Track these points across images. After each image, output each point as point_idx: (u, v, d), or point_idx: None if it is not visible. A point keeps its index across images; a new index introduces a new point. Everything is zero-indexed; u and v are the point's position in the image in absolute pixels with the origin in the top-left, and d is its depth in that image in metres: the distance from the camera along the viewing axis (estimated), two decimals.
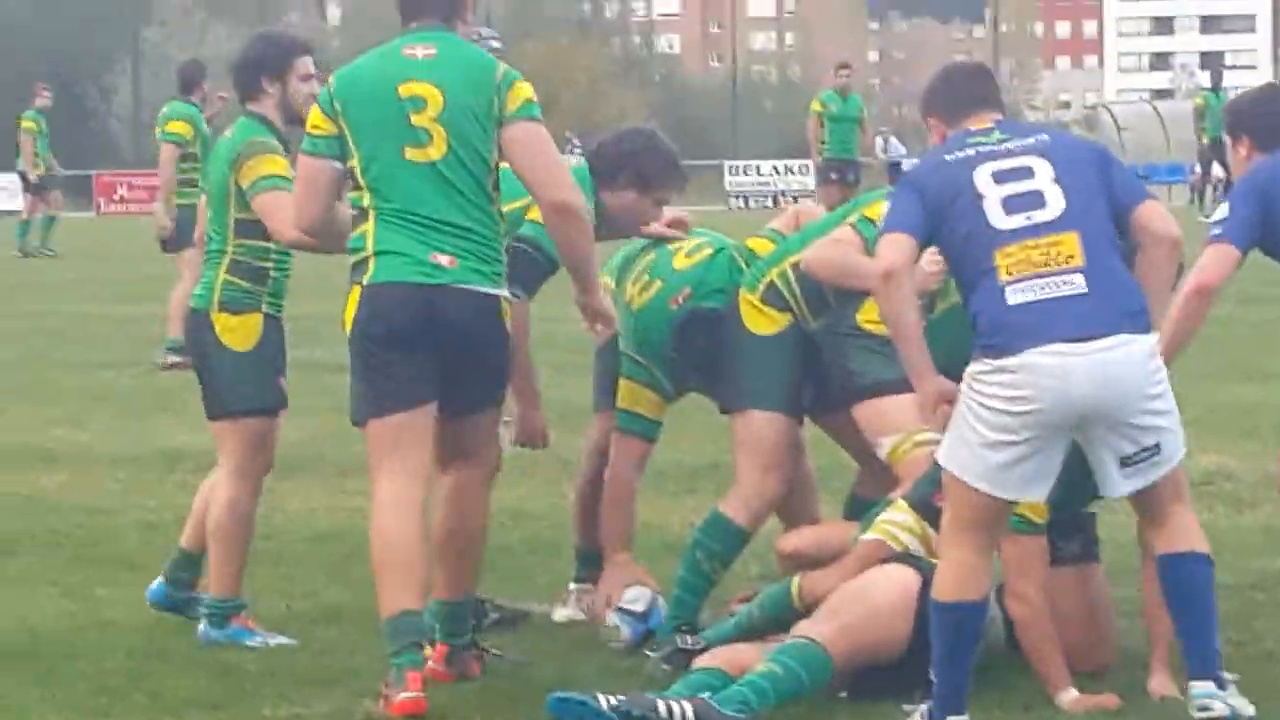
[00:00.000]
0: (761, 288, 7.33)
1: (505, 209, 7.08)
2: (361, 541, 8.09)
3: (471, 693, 6.23)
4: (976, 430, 5.31)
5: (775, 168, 77.49)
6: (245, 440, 7.65)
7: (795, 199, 70.29)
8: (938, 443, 5.84)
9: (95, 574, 9.03)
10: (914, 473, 6.61)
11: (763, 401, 7.20)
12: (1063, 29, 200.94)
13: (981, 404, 5.30)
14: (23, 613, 7.86)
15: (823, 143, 30.46)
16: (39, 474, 12.20)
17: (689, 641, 6.55)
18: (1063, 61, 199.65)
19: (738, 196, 74.26)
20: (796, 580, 6.51)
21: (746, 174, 76.94)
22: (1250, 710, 5.69)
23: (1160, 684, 6.09)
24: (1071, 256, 5.47)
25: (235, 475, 7.69)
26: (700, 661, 6.12)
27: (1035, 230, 5.41)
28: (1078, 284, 5.37)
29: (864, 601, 6.04)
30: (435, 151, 6.61)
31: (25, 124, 34.13)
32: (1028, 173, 5.60)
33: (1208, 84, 57.15)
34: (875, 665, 5.94)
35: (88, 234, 52.71)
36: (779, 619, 6.42)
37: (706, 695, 5.52)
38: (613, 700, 5.49)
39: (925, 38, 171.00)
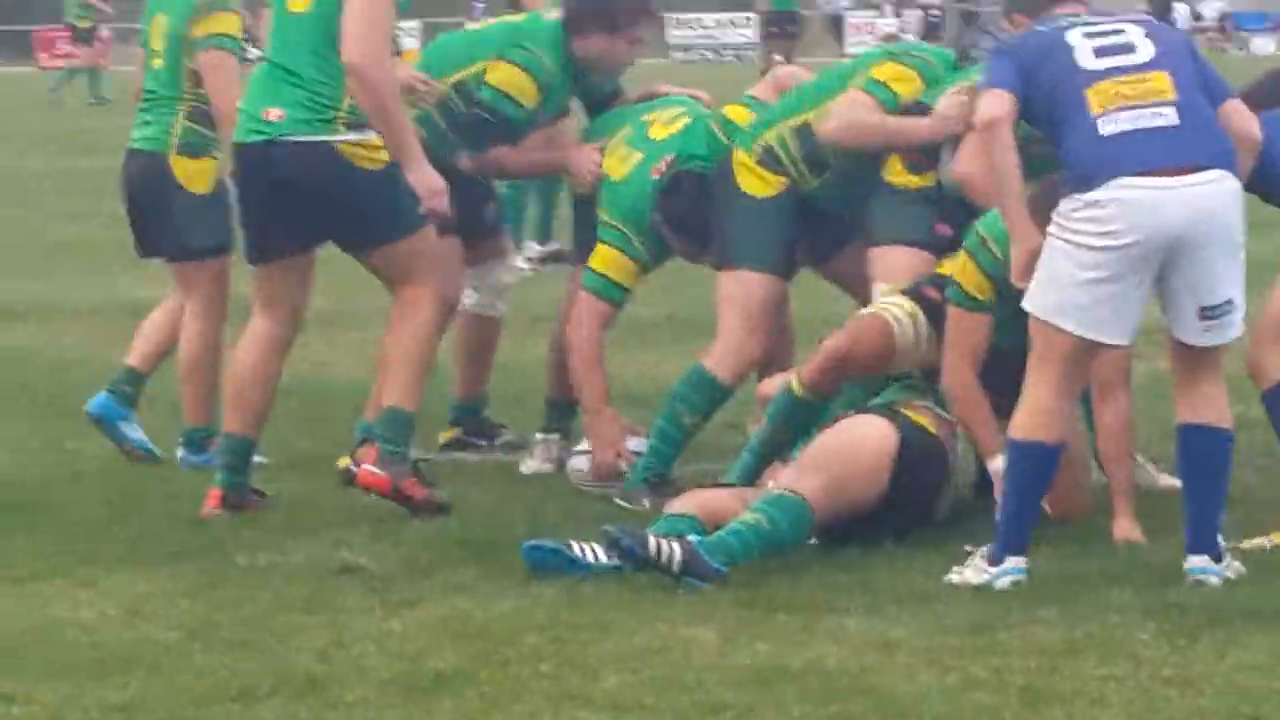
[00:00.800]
0: (758, 150, 7.34)
1: (456, 77, 7.63)
2: (325, 393, 8.10)
3: (449, 544, 6.26)
4: (1067, 270, 5.35)
5: (718, 20, 76.94)
6: (210, 277, 7.97)
7: (737, 54, 69.90)
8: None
9: (66, 427, 9.04)
10: None
11: (757, 262, 7.27)
12: None
13: (1072, 241, 5.32)
14: None
15: None
16: (4, 329, 12.26)
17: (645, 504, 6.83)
18: None
19: (680, 49, 73.53)
20: (794, 378, 6.55)
21: (690, 28, 76.21)
22: (1243, 571, 5.81)
23: (1123, 529, 6.26)
24: (1163, 91, 5.47)
25: (203, 311, 8.00)
26: (674, 506, 6.13)
27: (1126, 70, 5.46)
28: (1170, 116, 5.38)
29: (846, 459, 6.11)
30: (302, 4, 6.78)
31: None
32: (1120, 32, 5.67)
33: None
34: (844, 519, 6.03)
35: (32, 88, 52.22)
36: (789, 423, 6.57)
37: (694, 540, 5.55)
38: (591, 546, 5.69)
39: None
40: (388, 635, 5.02)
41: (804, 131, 7.26)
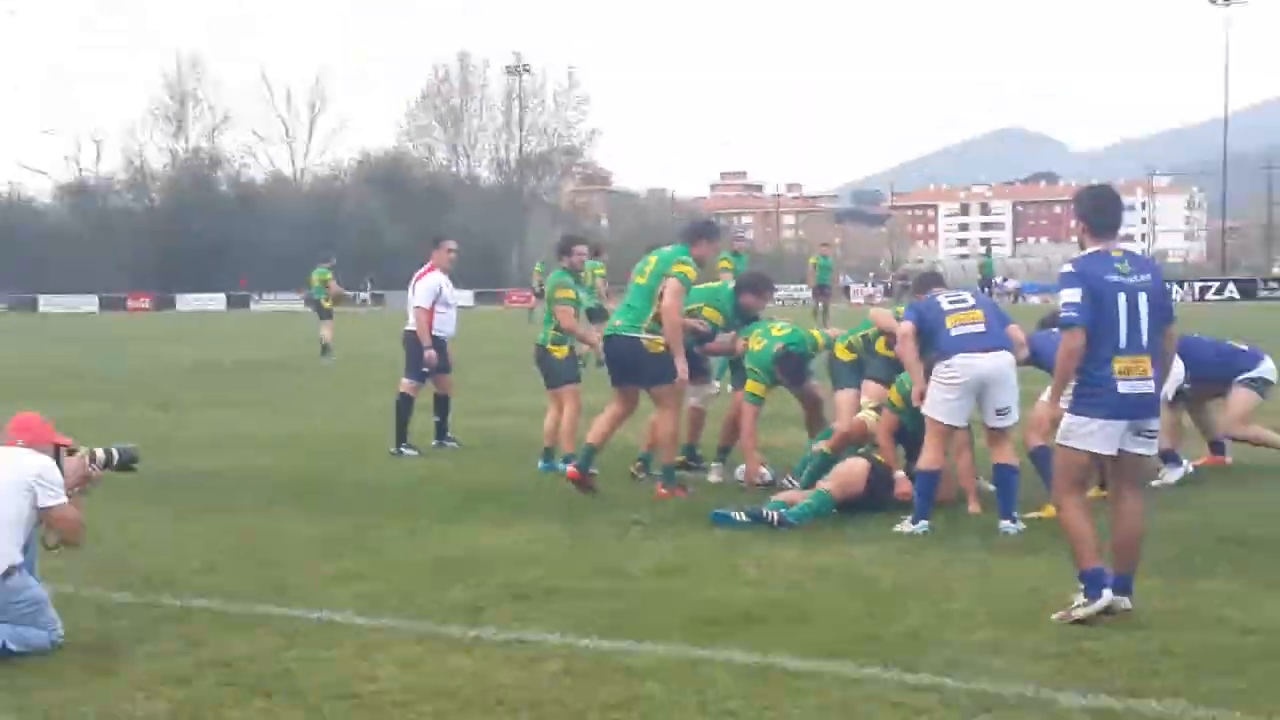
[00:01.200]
0: (848, 342, 13.20)
1: (692, 308, 13.19)
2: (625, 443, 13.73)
3: (680, 509, 11.43)
4: (940, 394, 10.69)
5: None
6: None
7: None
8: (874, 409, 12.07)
9: None
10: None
11: (845, 386, 12.90)
12: None
13: (942, 382, 10.60)
14: None
15: None
16: None
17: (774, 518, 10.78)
18: None
19: None
20: (824, 446, 12.32)
21: None
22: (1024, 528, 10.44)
23: (973, 507, 11.36)
24: (978, 318, 10.78)
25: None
26: (777, 497, 11.37)
27: (962, 309, 10.89)
28: (980, 326, 10.68)
29: (847, 475, 11.33)
30: (641, 279, 12.95)
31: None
32: (963, 299, 11.23)
33: None
34: (848, 502, 11.08)
35: None
36: (822, 464, 11.95)
37: (781, 509, 10.76)
38: (740, 512, 10.86)
39: None
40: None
41: (869, 339, 12.85)
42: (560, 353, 14.28)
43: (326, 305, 34.66)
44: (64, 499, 7.32)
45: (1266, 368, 12.75)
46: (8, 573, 7.04)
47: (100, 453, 7.86)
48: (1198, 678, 6.48)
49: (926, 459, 10.49)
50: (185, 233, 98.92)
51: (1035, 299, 79.66)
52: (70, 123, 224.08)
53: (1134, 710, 6.04)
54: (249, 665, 7.01)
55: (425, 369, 15.36)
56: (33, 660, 7.11)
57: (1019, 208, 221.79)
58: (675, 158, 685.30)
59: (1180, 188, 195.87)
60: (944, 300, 10.92)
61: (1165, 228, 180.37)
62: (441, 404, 16.01)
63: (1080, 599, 7.48)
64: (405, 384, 15.67)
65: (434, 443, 15.88)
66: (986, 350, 10.43)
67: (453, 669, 6.88)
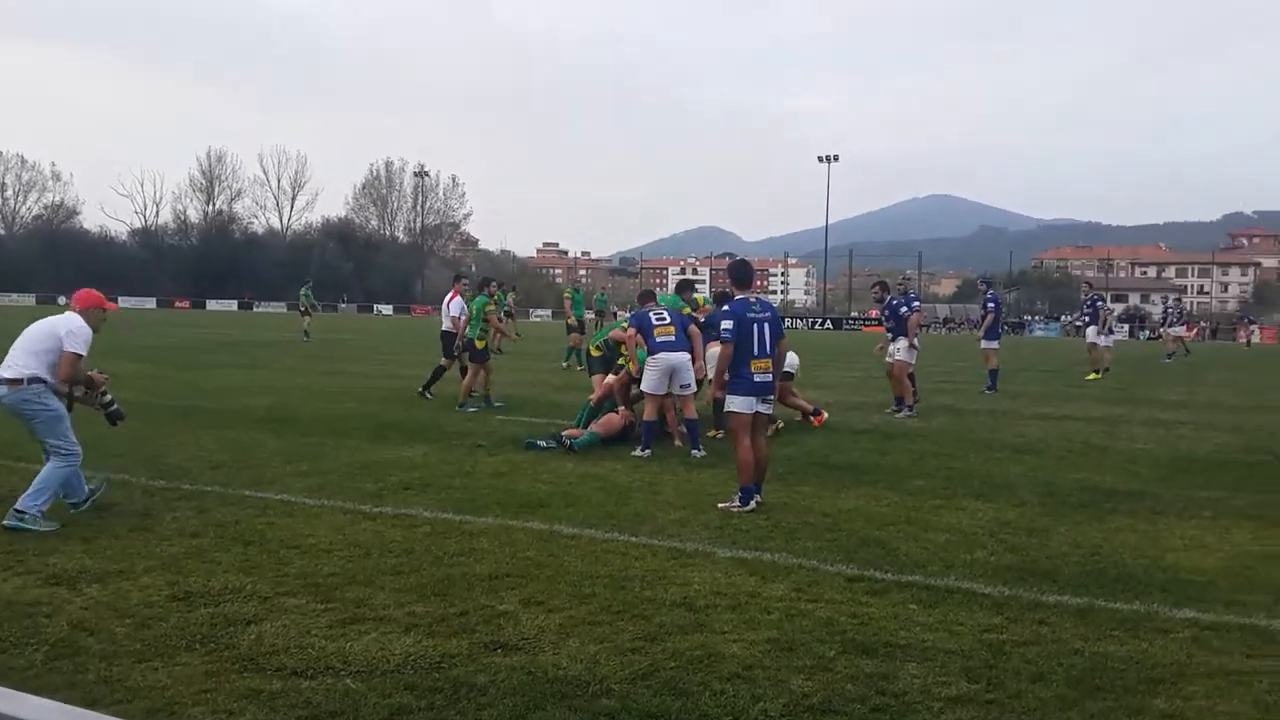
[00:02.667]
0: (598, 344, 12.72)
1: None
2: None
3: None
4: (652, 377, 10.66)
5: None
6: None
7: None
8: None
9: None
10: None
11: (597, 371, 12.58)
12: None
13: (650, 367, 10.55)
14: None
15: None
16: None
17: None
18: None
19: None
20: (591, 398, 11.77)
21: None
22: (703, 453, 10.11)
23: (677, 441, 10.70)
24: (671, 329, 10.76)
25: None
26: (566, 432, 10.68)
27: (662, 324, 10.78)
28: (671, 335, 10.66)
29: (607, 422, 10.86)
30: (669, 332, 11.11)
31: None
32: (663, 317, 10.91)
33: None
34: (609, 439, 10.57)
35: None
36: (597, 410, 11.43)
37: (570, 440, 10.29)
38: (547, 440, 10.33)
39: None
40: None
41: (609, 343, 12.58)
42: (481, 344, 14.41)
43: (303, 311, 34.13)
44: (78, 349, 6.67)
45: (791, 362, 12.33)
46: (32, 380, 6.57)
47: (110, 395, 7.20)
48: (795, 540, 6.63)
49: (647, 413, 10.42)
50: (212, 261, 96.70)
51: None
52: (137, 186, 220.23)
53: (759, 559, 6.14)
54: (236, 526, 6.69)
55: (455, 352, 14.89)
56: (95, 518, 6.73)
57: (714, 271, 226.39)
58: (514, 228, 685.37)
59: (803, 264, 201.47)
60: (653, 316, 10.94)
61: (794, 287, 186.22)
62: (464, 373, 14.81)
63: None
64: (443, 361, 15.12)
65: (469, 408, 14.00)
66: (674, 351, 10.59)
67: (362, 530, 6.66)
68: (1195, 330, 52.28)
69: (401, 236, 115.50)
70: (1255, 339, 55.77)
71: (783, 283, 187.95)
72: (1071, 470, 9.70)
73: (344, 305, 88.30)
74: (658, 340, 10.74)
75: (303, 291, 34.67)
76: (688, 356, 10.80)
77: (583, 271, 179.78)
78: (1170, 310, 33.06)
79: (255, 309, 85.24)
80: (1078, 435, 12.27)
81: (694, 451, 10.19)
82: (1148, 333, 70.79)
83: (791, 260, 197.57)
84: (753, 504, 7.60)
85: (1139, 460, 10.38)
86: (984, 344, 18.11)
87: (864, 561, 6.13)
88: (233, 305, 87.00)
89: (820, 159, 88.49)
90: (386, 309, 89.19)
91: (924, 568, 6.04)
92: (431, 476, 8.64)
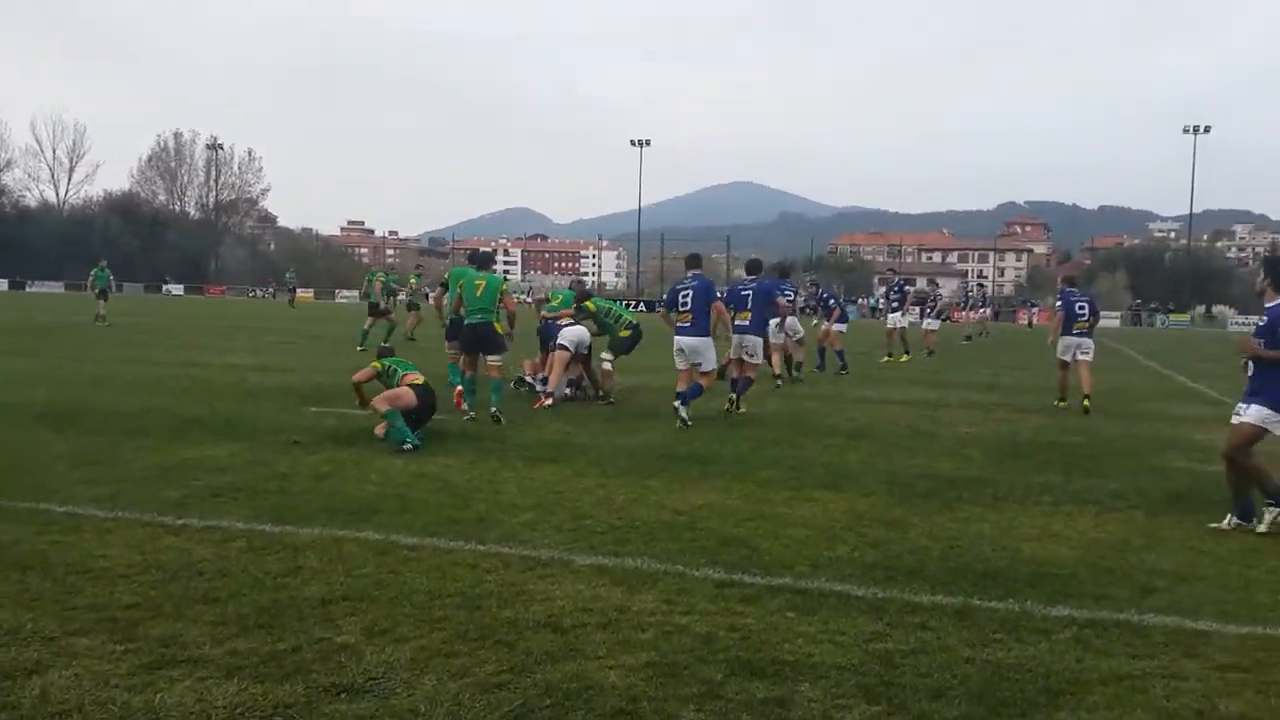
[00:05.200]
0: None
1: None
2: None
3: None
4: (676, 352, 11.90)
5: None
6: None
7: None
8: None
9: None
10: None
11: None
12: None
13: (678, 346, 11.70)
14: None
15: None
16: None
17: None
18: None
19: None
20: None
21: None
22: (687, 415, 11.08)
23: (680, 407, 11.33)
24: (689, 312, 11.55)
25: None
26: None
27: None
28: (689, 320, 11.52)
29: (392, 395, 9.68)
30: (480, 289, 11.49)
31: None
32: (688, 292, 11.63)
33: None
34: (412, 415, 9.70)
35: None
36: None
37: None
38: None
39: None
40: None
41: None
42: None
43: (97, 294, 31.01)
44: None
45: (571, 337, 12.88)
46: None
47: None
48: (655, 541, 6.19)
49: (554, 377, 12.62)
50: None
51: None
52: None
53: (621, 565, 5.65)
54: (12, 547, 5.67)
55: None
56: None
57: (526, 253, 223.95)
58: (319, 205, 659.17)
59: (614, 247, 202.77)
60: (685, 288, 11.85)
61: (606, 270, 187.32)
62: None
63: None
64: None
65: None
66: (689, 334, 11.60)
67: (166, 548, 5.76)
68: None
69: (193, 212, 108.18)
70: (1035, 320, 59.68)
71: (594, 264, 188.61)
72: (908, 456, 9.69)
73: (129, 285, 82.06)
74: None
75: (94, 272, 31.59)
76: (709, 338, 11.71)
77: (390, 251, 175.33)
78: (971, 293, 34.76)
79: (28, 289, 78.30)
80: (903, 420, 12.42)
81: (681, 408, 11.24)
82: (940, 315, 74.72)
83: (603, 243, 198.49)
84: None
85: (969, 445, 10.52)
86: (837, 327, 19.60)
87: (729, 564, 5.75)
88: (2, 285, 79.60)
89: (633, 143, 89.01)
90: (177, 289, 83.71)
91: (791, 568, 5.72)
92: (243, 480, 7.71)
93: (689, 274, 11.97)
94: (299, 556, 5.66)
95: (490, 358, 11.38)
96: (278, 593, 5.03)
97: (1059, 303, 14.92)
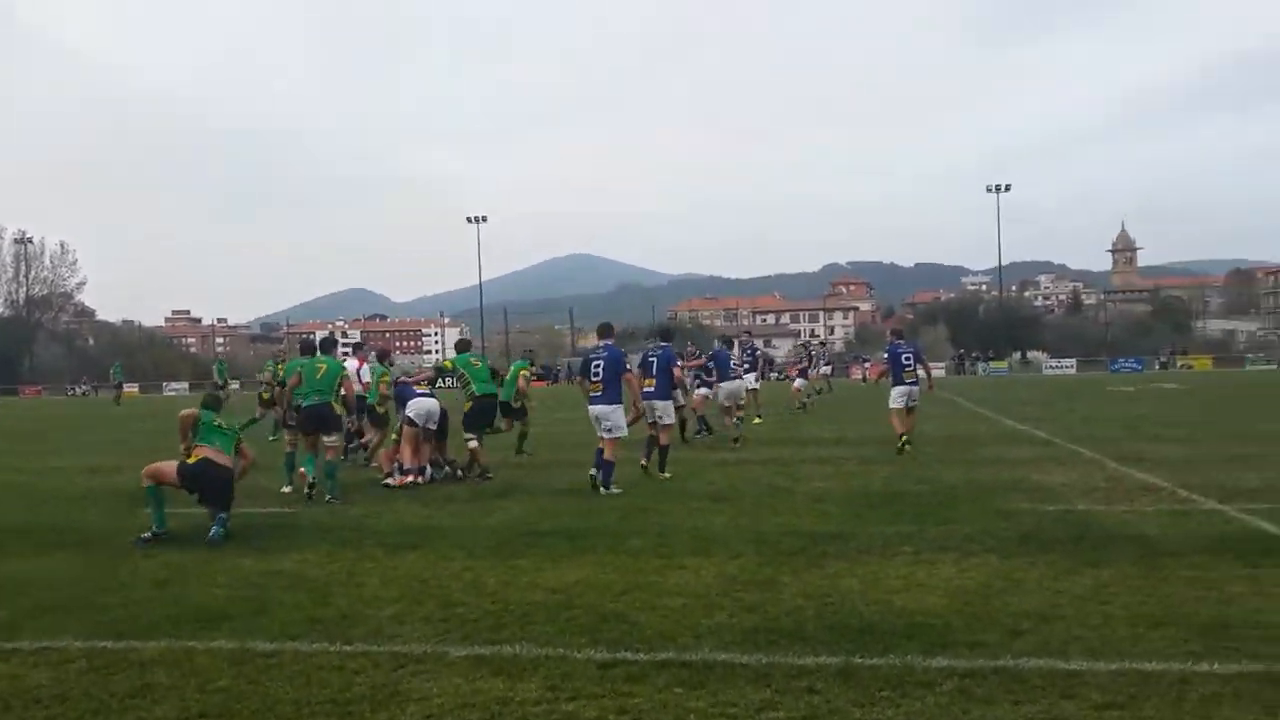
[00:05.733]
0: None
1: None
2: None
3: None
4: None
5: None
6: None
7: None
8: None
9: None
10: None
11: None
12: None
13: None
14: None
15: None
16: None
17: None
18: None
19: None
20: None
21: None
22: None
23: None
24: (597, 389, 11.84)
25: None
26: None
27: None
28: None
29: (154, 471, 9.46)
30: (321, 372, 11.99)
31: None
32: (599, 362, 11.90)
33: None
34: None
35: None
36: None
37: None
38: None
39: None
40: None
41: None
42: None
43: None
44: None
45: (419, 411, 13.04)
46: None
47: None
48: (531, 624, 5.95)
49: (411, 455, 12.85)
50: None
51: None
52: None
53: (499, 654, 5.40)
54: None
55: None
56: None
57: (365, 333, 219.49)
58: (139, 297, 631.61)
59: (456, 323, 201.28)
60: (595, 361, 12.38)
61: (450, 346, 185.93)
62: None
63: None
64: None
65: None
66: (426, 397, 13.28)
67: None
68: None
69: (2, 309, 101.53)
70: (868, 375, 62.01)
71: (436, 342, 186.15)
72: (770, 515, 9.76)
73: None
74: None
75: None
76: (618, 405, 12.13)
77: (220, 339, 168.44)
78: (816, 353, 35.83)
79: None
80: (761, 479, 12.55)
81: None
82: (776, 374, 76.92)
83: (445, 319, 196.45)
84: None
85: (825, 500, 10.69)
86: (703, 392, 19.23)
87: (611, 641, 5.58)
88: None
89: (469, 219, 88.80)
90: None
91: (673, 640, 5.59)
92: (78, 593, 7.06)
93: (600, 344, 12.29)
94: (146, 673, 5.19)
95: (327, 438, 11.62)
96: (125, 715, 4.58)
97: (886, 354, 16.05)
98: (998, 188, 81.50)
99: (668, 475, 12.75)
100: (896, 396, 15.77)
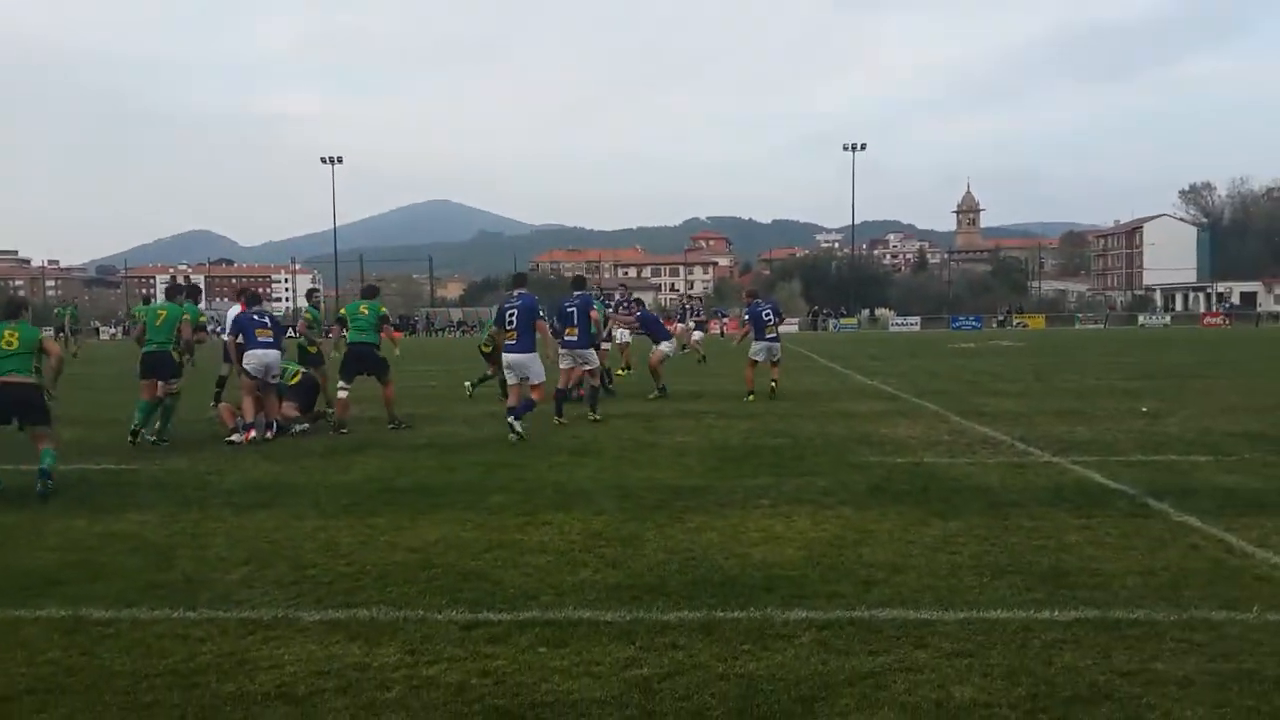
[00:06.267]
0: None
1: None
2: None
3: None
4: None
5: None
6: None
7: None
8: None
9: None
10: None
11: None
12: None
13: None
14: None
15: None
16: None
17: None
18: None
19: None
20: None
21: None
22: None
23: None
24: (514, 330, 12.02)
25: None
26: None
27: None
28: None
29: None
30: (162, 317, 12.07)
31: None
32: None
33: None
34: None
35: None
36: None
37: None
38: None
39: None
40: None
41: None
42: (312, 349, 14.80)
43: None
44: None
45: (256, 363, 12.58)
46: None
47: None
48: (389, 586, 5.76)
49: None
50: None
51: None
52: None
53: (355, 617, 5.20)
54: None
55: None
56: None
57: (210, 279, 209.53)
58: None
59: (309, 269, 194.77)
60: (255, 316, 12.61)
61: (302, 293, 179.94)
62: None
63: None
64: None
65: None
66: (267, 349, 12.34)
67: None
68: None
69: None
70: (726, 329, 63.01)
71: (287, 289, 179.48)
72: (633, 469, 9.76)
73: None
74: (258, 339, 12.37)
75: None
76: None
77: (51, 282, 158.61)
78: (690, 309, 35.10)
79: None
80: (626, 433, 12.56)
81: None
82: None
83: (296, 265, 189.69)
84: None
85: (687, 454, 10.77)
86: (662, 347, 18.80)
87: (472, 601, 5.46)
88: None
89: (324, 160, 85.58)
90: None
91: (536, 599, 5.52)
92: None
93: (515, 293, 12.57)
94: None
95: (163, 384, 11.96)
96: None
97: (747, 314, 16.88)
98: (853, 146, 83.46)
99: (597, 417, 13.51)
100: (757, 350, 16.64)
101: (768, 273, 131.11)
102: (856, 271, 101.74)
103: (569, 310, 13.80)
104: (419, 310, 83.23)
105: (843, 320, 79.22)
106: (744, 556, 6.38)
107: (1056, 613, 5.12)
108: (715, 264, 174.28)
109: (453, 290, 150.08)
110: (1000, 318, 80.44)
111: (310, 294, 17.32)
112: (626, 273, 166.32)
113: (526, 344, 12.14)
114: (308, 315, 15.92)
